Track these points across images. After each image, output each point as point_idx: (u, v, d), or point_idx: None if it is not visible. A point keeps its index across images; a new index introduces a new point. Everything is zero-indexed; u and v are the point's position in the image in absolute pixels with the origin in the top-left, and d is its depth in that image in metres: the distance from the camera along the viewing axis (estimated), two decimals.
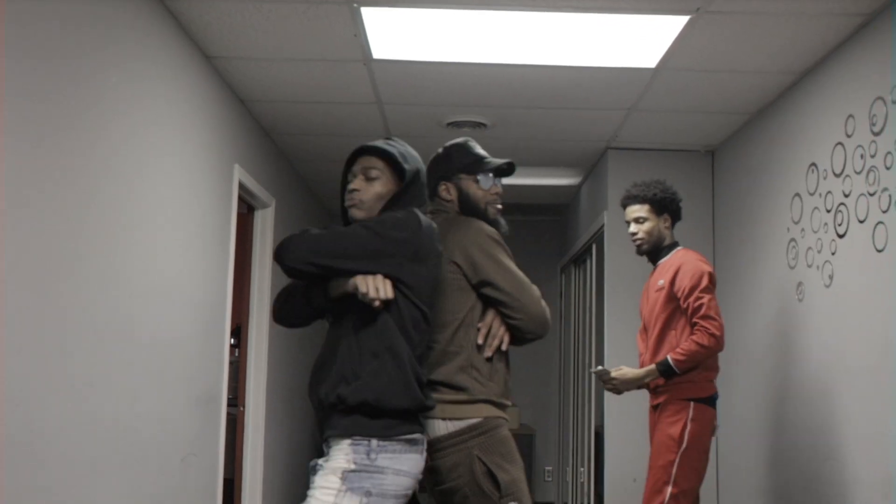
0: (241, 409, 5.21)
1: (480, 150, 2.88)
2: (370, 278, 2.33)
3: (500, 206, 2.87)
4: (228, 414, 4.53)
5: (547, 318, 2.67)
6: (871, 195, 3.39)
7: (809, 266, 3.96)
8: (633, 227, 3.90)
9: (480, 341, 2.62)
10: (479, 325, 2.64)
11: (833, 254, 3.73)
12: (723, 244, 5.23)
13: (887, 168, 3.27)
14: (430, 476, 2.61)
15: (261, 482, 5.25)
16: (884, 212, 3.30)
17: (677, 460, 3.63)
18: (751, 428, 4.64)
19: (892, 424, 3.19)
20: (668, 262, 3.86)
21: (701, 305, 3.65)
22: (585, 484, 6.18)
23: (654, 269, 3.95)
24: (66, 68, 2.65)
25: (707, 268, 3.75)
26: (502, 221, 2.85)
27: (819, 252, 3.86)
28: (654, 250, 3.91)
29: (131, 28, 3.16)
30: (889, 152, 3.27)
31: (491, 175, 2.82)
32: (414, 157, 2.56)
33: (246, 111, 4.80)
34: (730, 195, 5.14)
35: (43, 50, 2.51)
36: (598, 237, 5.81)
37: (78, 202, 2.74)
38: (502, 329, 2.65)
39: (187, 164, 3.81)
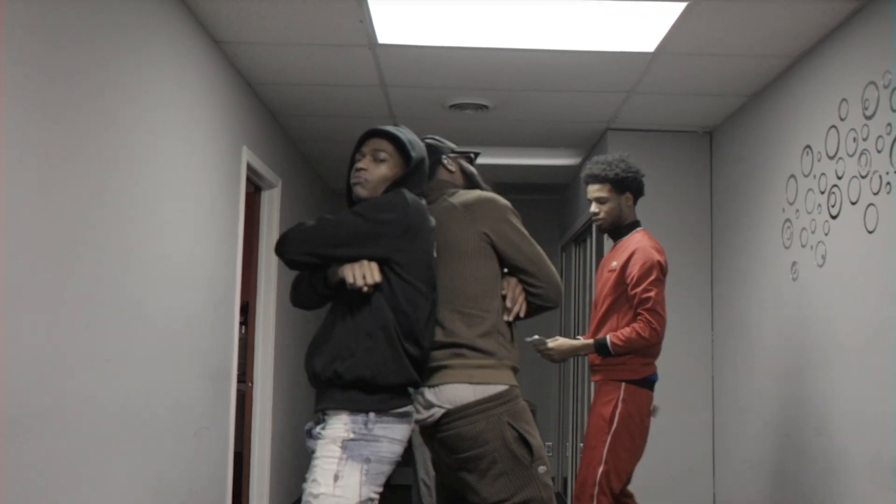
0: (250, 384, 5.34)
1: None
2: (356, 266, 2.47)
3: None
4: (237, 390, 4.66)
5: (562, 289, 2.81)
6: (864, 177, 3.50)
7: (803, 246, 4.07)
8: (594, 207, 3.91)
9: (510, 305, 2.74)
10: (503, 291, 2.77)
11: (826, 234, 3.83)
12: (721, 223, 5.34)
13: (878, 151, 3.37)
14: (448, 445, 2.66)
15: (269, 456, 5.39)
16: (875, 194, 3.40)
17: (608, 440, 3.70)
18: (746, 402, 4.76)
19: (880, 401, 3.31)
20: (625, 243, 3.89)
21: (648, 298, 3.67)
22: None
23: (613, 247, 3.99)
24: (81, 53, 2.75)
25: (658, 258, 3.75)
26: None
27: (813, 232, 3.97)
28: (614, 229, 3.94)
29: (143, 14, 3.25)
30: (880, 136, 3.36)
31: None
32: (420, 146, 2.68)
33: (253, 94, 4.90)
34: (727, 175, 5.24)
35: (59, 37, 2.60)
36: None
37: (94, 186, 2.84)
38: (522, 296, 2.77)
39: (197, 146, 3.91)
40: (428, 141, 2.95)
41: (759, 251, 4.65)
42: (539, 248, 2.80)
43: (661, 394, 5.43)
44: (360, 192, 2.62)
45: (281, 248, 2.57)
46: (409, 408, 2.53)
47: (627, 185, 3.88)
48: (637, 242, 3.82)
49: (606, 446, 3.71)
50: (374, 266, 2.47)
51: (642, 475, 5.33)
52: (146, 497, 3.31)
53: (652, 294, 3.68)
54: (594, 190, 3.90)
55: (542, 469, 2.62)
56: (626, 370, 3.77)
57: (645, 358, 3.80)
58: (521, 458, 2.60)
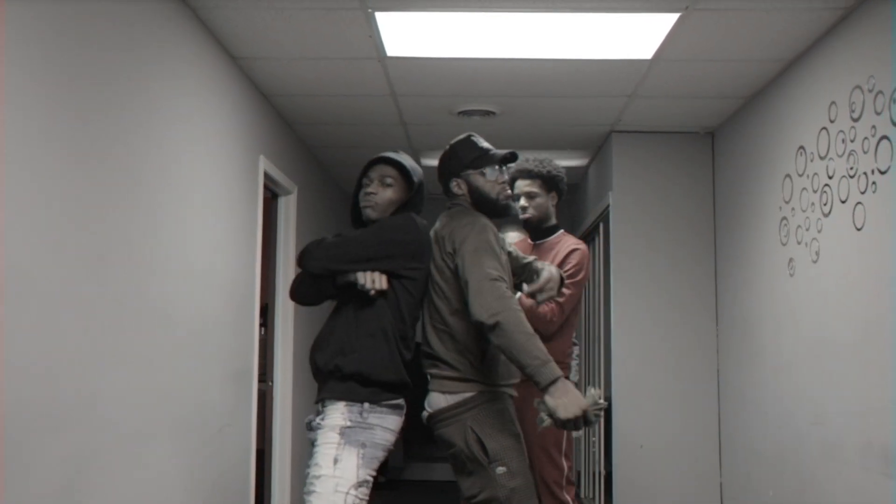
0: (270, 384, 5.55)
1: (484, 144, 3.14)
2: (368, 273, 2.79)
3: (509, 193, 3.14)
4: (257, 389, 4.87)
5: (484, 318, 2.73)
6: (852, 177, 3.66)
7: (799, 243, 4.23)
8: (523, 202, 3.86)
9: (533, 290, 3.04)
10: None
11: (819, 231, 4.00)
12: (723, 221, 5.50)
13: (864, 152, 3.54)
14: (439, 444, 2.99)
15: (289, 453, 5.59)
16: (862, 193, 3.56)
17: (566, 435, 3.68)
18: (749, 394, 4.93)
19: (870, 392, 3.47)
20: (555, 243, 3.86)
21: (565, 293, 3.57)
22: (597, 453, 6.49)
23: (533, 248, 3.91)
24: (110, 70, 2.95)
25: (587, 261, 3.76)
26: (513, 206, 3.15)
27: (807, 230, 4.13)
28: (538, 227, 3.89)
29: (166, 33, 3.46)
30: (866, 137, 3.52)
31: (496, 166, 3.09)
32: (419, 172, 2.99)
33: (269, 105, 5.10)
34: (729, 175, 5.40)
35: (91, 55, 2.81)
36: (605, 216, 6.09)
37: (124, 196, 3.05)
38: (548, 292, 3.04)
39: (217, 157, 4.12)
40: (447, 150, 3.13)
41: (759, 248, 4.81)
42: (482, 273, 2.78)
43: (668, 387, 5.62)
44: (371, 213, 2.94)
45: (305, 260, 2.88)
46: (400, 401, 2.81)
47: (556, 184, 3.89)
48: (576, 243, 3.82)
49: (564, 439, 3.68)
50: (384, 276, 2.80)
51: (651, 467, 5.51)
52: (175, 491, 3.52)
53: (572, 292, 3.64)
54: (524, 185, 3.86)
55: (499, 470, 2.82)
56: None
57: (558, 358, 3.60)
58: (479, 460, 2.84)
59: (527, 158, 3.95)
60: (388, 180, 2.93)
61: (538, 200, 3.88)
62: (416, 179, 2.92)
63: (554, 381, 2.64)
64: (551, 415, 2.64)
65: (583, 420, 2.65)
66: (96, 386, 2.83)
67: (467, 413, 2.88)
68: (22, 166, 2.38)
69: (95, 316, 2.82)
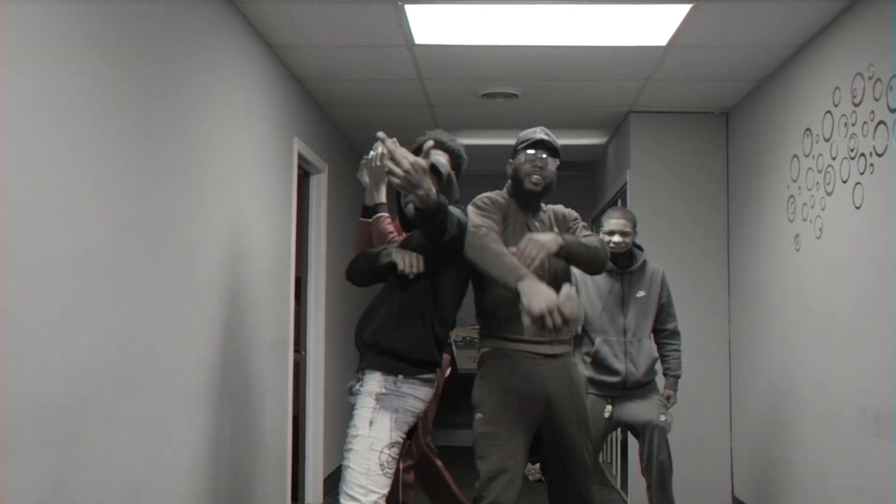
0: (303, 353, 5.86)
1: (523, 135, 3.39)
2: (407, 254, 3.02)
3: (535, 174, 3.29)
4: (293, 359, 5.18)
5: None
6: (852, 159, 3.89)
7: (804, 220, 4.47)
8: (434, 157, 3.58)
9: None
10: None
11: (823, 209, 4.23)
12: (736, 197, 5.73)
13: (864, 136, 3.76)
14: None
15: (322, 419, 5.92)
16: (861, 174, 3.80)
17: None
18: (758, 364, 5.18)
19: (865, 361, 3.73)
20: None
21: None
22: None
23: None
24: (161, 61, 3.24)
25: None
26: (531, 181, 3.27)
27: (812, 208, 4.37)
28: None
29: (210, 26, 3.74)
30: (865, 122, 3.75)
31: (522, 152, 3.34)
32: (444, 166, 3.14)
33: (302, 89, 5.38)
34: (741, 153, 5.63)
35: (146, 47, 3.10)
36: (623, 192, 6.33)
37: (176, 181, 3.35)
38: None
39: (255, 139, 4.41)
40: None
41: (769, 224, 5.05)
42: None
43: (682, 355, 5.87)
44: (411, 209, 3.07)
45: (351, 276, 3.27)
46: (430, 375, 3.08)
47: (460, 164, 3.64)
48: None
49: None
50: (422, 258, 3.01)
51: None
52: (223, 450, 3.85)
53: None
54: (436, 153, 3.65)
55: (477, 416, 3.21)
56: None
57: None
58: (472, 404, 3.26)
59: (438, 132, 3.90)
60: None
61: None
62: (443, 172, 3.08)
63: (521, 279, 2.81)
64: (529, 314, 2.72)
65: (560, 315, 2.70)
66: (160, 355, 3.15)
67: (481, 365, 3.29)
68: (92, 160, 2.68)
69: (155, 293, 3.13)
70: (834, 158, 4.10)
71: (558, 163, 3.37)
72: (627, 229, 4.34)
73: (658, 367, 4.49)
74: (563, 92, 5.53)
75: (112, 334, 2.78)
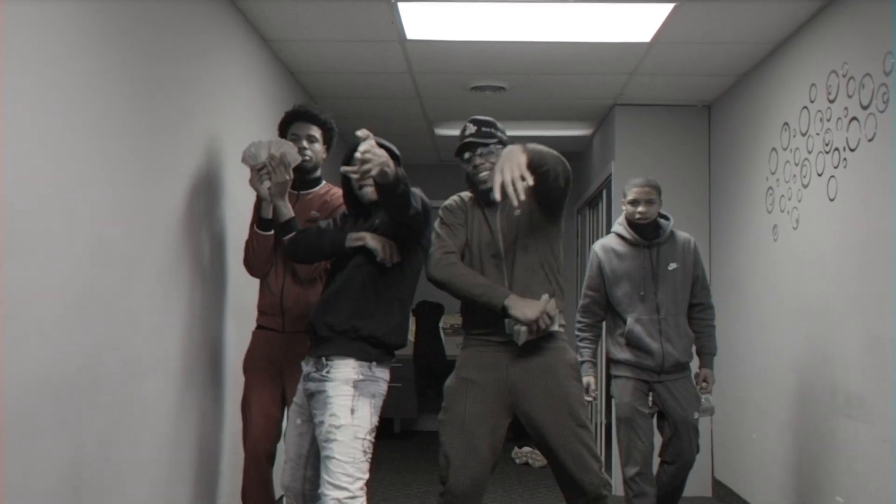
0: None
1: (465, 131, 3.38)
2: (386, 242, 3.11)
3: (479, 173, 3.30)
4: None
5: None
6: (827, 153, 4.06)
7: (782, 211, 4.64)
8: (304, 143, 3.61)
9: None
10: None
11: (799, 201, 4.40)
12: (717, 189, 5.90)
13: (838, 131, 3.93)
14: None
15: None
16: (835, 167, 3.97)
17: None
18: (740, 349, 5.37)
19: (835, 346, 3.91)
20: (318, 194, 3.71)
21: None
22: (600, 404, 6.94)
23: (299, 199, 3.66)
24: (164, 55, 3.37)
25: None
26: (479, 179, 3.31)
27: (789, 199, 4.54)
28: (305, 175, 3.64)
29: (209, 22, 3.87)
30: (839, 118, 3.92)
31: (461, 161, 3.37)
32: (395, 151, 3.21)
33: (296, 82, 5.51)
34: (723, 146, 5.80)
35: (152, 44, 3.23)
36: (607, 184, 6.48)
37: (179, 170, 3.49)
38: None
39: (253, 132, 4.53)
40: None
41: (748, 215, 5.22)
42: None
43: None
44: (369, 192, 3.21)
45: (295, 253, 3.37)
46: (393, 358, 3.22)
47: (331, 137, 3.72)
48: (337, 190, 3.63)
49: None
50: (395, 246, 3.12)
51: None
52: (229, 427, 4.00)
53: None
54: (306, 128, 3.63)
55: (443, 404, 3.34)
56: None
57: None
58: None
59: (311, 105, 3.78)
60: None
61: (316, 147, 3.68)
62: (397, 153, 3.19)
63: (504, 297, 3.14)
64: (523, 323, 3.12)
65: (547, 317, 3.16)
66: (169, 338, 3.31)
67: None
68: (101, 156, 2.81)
69: (164, 279, 3.27)
70: (810, 152, 4.27)
71: (501, 137, 3.34)
72: (652, 197, 4.08)
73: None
74: (550, 85, 5.68)
75: (122, 317, 2.92)
